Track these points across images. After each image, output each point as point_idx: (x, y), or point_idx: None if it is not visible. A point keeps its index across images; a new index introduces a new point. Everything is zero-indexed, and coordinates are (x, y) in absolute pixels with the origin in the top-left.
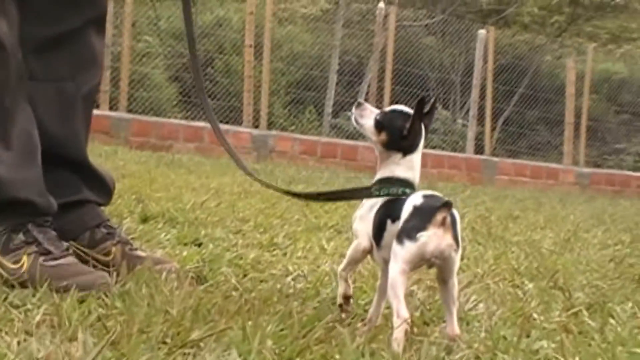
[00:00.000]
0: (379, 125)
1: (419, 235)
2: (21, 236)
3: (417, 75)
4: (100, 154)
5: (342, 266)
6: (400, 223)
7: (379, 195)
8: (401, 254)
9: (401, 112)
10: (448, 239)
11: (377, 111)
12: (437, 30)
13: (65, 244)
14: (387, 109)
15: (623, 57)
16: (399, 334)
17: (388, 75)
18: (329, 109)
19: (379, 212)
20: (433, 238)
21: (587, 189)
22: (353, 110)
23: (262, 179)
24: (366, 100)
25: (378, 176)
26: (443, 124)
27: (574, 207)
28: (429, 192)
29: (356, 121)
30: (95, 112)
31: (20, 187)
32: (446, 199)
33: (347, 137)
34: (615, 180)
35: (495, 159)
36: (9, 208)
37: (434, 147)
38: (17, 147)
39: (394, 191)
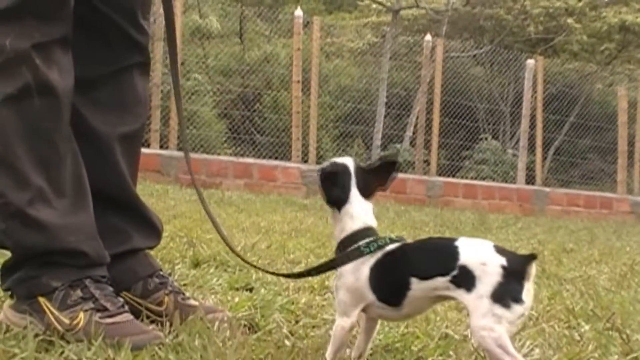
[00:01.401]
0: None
1: (524, 297)
2: (79, 292)
3: (465, 107)
4: (152, 193)
5: (329, 355)
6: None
7: (370, 252)
8: (508, 316)
9: (324, 169)
10: (532, 291)
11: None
12: (485, 60)
13: (121, 300)
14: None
15: None
16: None
17: (436, 107)
18: (377, 141)
19: (388, 270)
20: (529, 295)
21: None
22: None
23: (246, 259)
24: (414, 132)
25: (338, 238)
26: (493, 154)
27: (629, 238)
28: (487, 242)
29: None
30: (146, 150)
31: (70, 235)
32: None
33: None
34: None
35: (547, 189)
36: (63, 260)
37: (484, 178)
38: (69, 192)
39: (382, 242)
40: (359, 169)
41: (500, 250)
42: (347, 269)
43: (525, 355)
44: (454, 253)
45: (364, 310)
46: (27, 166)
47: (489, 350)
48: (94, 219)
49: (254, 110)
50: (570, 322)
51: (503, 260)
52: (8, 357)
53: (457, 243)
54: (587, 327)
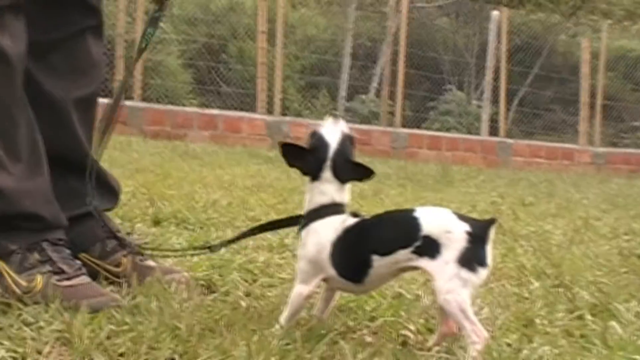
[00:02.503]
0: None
1: (488, 261)
2: (36, 255)
3: (431, 58)
4: (115, 145)
5: (284, 319)
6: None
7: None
8: (474, 280)
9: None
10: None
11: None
12: (450, 11)
13: (79, 263)
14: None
15: (639, 33)
16: (477, 355)
17: (402, 58)
18: (343, 92)
19: (348, 248)
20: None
21: (603, 168)
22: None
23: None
24: (379, 84)
25: (306, 208)
26: (458, 105)
27: (588, 189)
28: (446, 210)
29: None
30: (110, 101)
31: (27, 199)
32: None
33: (361, 122)
34: (631, 159)
35: (510, 140)
36: (20, 224)
37: (449, 130)
38: (25, 157)
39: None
40: (344, 144)
41: (461, 217)
42: (311, 240)
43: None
44: (415, 224)
45: (324, 280)
46: None
47: (451, 314)
48: (53, 182)
49: (220, 61)
50: (521, 279)
51: (467, 227)
52: None
53: (416, 214)
54: (537, 285)
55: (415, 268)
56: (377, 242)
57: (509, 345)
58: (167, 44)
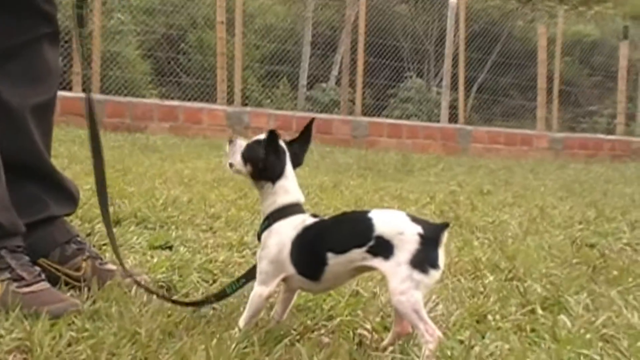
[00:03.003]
0: (244, 159)
1: (440, 263)
2: None
3: (390, 46)
4: (74, 140)
5: (244, 320)
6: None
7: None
8: (426, 281)
9: (260, 142)
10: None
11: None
12: None
13: (38, 269)
14: (253, 139)
15: (594, 18)
16: (431, 354)
17: (361, 46)
18: (303, 81)
19: (306, 246)
20: (442, 260)
21: (561, 153)
22: (226, 148)
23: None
24: (340, 72)
25: (267, 210)
26: (418, 92)
27: (545, 176)
28: (400, 212)
29: (230, 163)
30: (68, 94)
31: None
32: (423, 218)
33: (322, 111)
34: (588, 144)
35: (470, 127)
36: None
37: (409, 117)
38: None
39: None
40: (288, 143)
41: (414, 219)
42: (272, 240)
43: (429, 311)
44: (369, 225)
45: (284, 280)
46: None
47: (404, 314)
48: (10, 189)
49: (179, 51)
50: (477, 272)
51: (419, 229)
52: None
53: (370, 215)
54: (491, 279)
55: (371, 268)
56: (333, 240)
57: (461, 342)
58: (125, 34)
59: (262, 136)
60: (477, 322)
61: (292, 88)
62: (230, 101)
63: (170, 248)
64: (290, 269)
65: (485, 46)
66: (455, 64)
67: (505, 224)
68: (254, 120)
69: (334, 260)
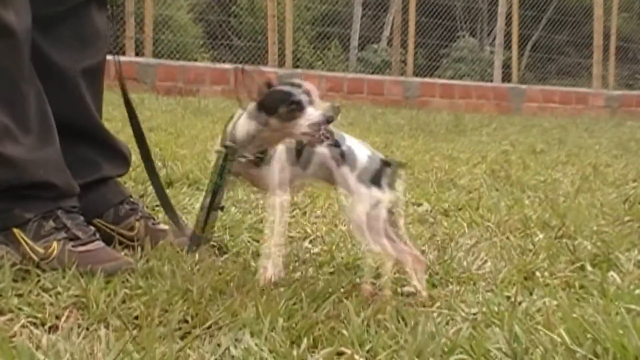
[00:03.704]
0: None
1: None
2: (51, 222)
3: (442, 5)
4: None
5: (277, 242)
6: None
7: None
8: (382, 198)
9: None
10: None
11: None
12: None
13: (92, 228)
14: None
15: None
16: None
17: (412, 6)
18: (354, 42)
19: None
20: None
21: (618, 111)
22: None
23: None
24: (391, 33)
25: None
26: (470, 52)
27: (600, 134)
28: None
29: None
30: (122, 58)
31: (39, 168)
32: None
33: (374, 72)
34: None
35: (523, 86)
36: (34, 193)
37: (462, 77)
38: (35, 128)
39: None
40: None
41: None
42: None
43: (477, 269)
44: (342, 138)
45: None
46: None
47: (355, 227)
48: (64, 151)
49: (230, 14)
50: (526, 231)
51: (382, 155)
52: None
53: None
54: (541, 236)
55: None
56: None
57: (508, 298)
58: None
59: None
60: (525, 279)
61: (343, 49)
62: (281, 63)
63: (221, 209)
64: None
65: (539, 3)
66: (508, 22)
67: (557, 182)
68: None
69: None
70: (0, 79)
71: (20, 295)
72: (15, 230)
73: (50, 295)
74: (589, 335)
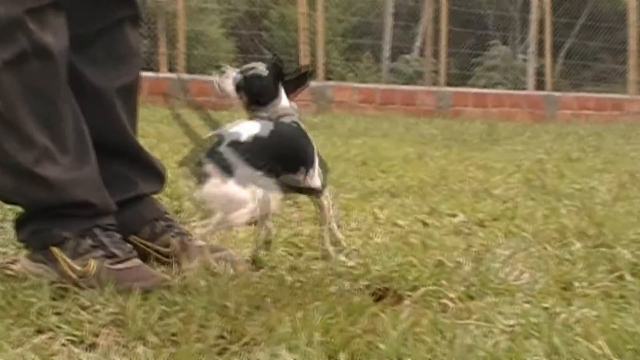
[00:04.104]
0: (239, 89)
1: None
2: (89, 241)
3: (474, 14)
4: (161, 119)
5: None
6: None
7: None
8: None
9: (258, 77)
10: None
11: (238, 75)
12: None
13: (130, 246)
14: (247, 72)
15: None
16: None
17: (444, 15)
18: (386, 53)
19: None
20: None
21: None
22: (216, 76)
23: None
24: (423, 43)
25: None
26: (503, 60)
27: (637, 140)
28: None
29: (219, 87)
30: (155, 75)
31: (77, 188)
32: None
33: (406, 82)
34: None
35: (557, 93)
36: (72, 211)
37: (495, 85)
38: (72, 148)
39: None
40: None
41: None
42: None
43: (514, 280)
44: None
45: None
46: (31, 127)
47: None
48: (100, 169)
49: (262, 28)
50: (563, 240)
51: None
52: (26, 306)
53: None
54: (578, 246)
55: None
56: None
57: (546, 309)
58: (208, 13)
59: (257, 70)
60: (563, 289)
61: (375, 60)
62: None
63: (255, 223)
64: None
65: (572, 10)
66: (541, 30)
67: (593, 190)
68: (337, 94)
69: None
70: (39, 100)
71: (59, 314)
72: (54, 249)
73: (89, 313)
74: (629, 347)
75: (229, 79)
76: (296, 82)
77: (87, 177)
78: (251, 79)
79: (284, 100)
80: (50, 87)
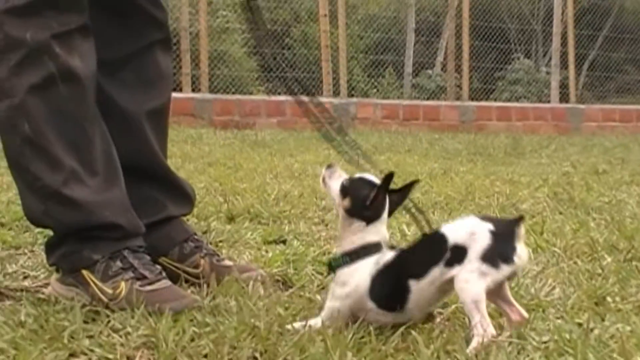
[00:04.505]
0: (344, 191)
1: (515, 257)
2: (119, 263)
3: (496, 28)
4: (186, 140)
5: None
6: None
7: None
8: (494, 274)
9: (368, 182)
10: (526, 251)
11: (346, 176)
12: None
13: (159, 267)
14: (356, 176)
15: None
16: (478, 346)
17: (465, 30)
18: (408, 69)
19: (387, 279)
20: (521, 256)
21: None
22: (323, 170)
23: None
24: (445, 58)
25: (346, 247)
26: (526, 73)
27: None
28: (470, 217)
29: (324, 182)
30: (179, 95)
31: (105, 210)
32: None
33: (429, 97)
34: None
35: (582, 106)
36: (101, 234)
37: (518, 99)
38: (101, 170)
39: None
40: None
41: (486, 218)
42: (352, 280)
43: (545, 296)
44: (442, 239)
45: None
46: (58, 149)
47: (464, 303)
48: (129, 191)
49: (284, 46)
50: (594, 255)
51: (490, 226)
52: (59, 330)
53: (442, 229)
54: (609, 260)
55: (451, 281)
56: (413, 267)
57: (579, 325)
58: (230, 33)
59: (368, 176)
60: (596, 304)
61: (397, 76)
62: (336, 93)
63: (284, 242)
64: (369, 305)
65: (595, 22)
66: (564, 42)
67: (622, 203)
68: (360, 110)
69: (416, 287)
70: (67, 123)
71: (91, 337)
72: (84, 272)
73: (121, 336)
74: None
75: (337, 180)
76: (400, 196)
77: (115, 199)
78: (360, 183)
79: (382, 222)
80: (78, 110)
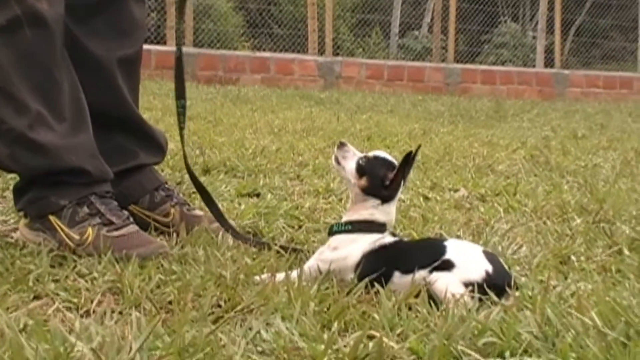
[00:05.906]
0: (361, 170)
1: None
2: (85, 208)
3: None
4: (168, 93)
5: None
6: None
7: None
8: (469, 303)
9: (384, 161)
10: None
11: (360, 155)
12: None
13: (126, 213)
14: (371, 154)
15: None
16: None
17: None
18: (395, 29)
19: (376, 262)
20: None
21: None
22: (335, 150)
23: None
24: (432, 19)
25: (353, 217)
26: (513, 37)
27: None
28: (477, 246)
29: (337, 162)
30: (163, 48)
31: (72, 154)
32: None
33: (414, 59)
34: None
35: (566, 71)
36: (67, 179)
37: (504, 63)
38: (69, 115)
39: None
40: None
41: (489, 257)
42: (345, 248)
43: (512, 254)
44: (441, 249)
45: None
46: (24, 93)
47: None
48: (101, 139)
49: (270, 2)
50: (564, 216)
51: (489, 267)
52: (24, 273)
53: (446, 242)
54: (578, 221)
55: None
56: (403, 260)
57: (541, 282)
58: None
59: (383, 155)
60: (561, 263)
61: (383, 36)
62: (321, 51)
63: (257, 195)
64: (349, 277)
65: None
66: (551, 7)
67: (597, 167)
68: (345, 70)
69: (398, 279)
70: (34, 67)
71: (57, 281)
72: (51, 218)
73: (86, 281)
74: (622, 319)
75: (352, 159)
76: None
77: (82, 144)
78: (378, 162)
79: (393, 204)
80: (46, 54)
